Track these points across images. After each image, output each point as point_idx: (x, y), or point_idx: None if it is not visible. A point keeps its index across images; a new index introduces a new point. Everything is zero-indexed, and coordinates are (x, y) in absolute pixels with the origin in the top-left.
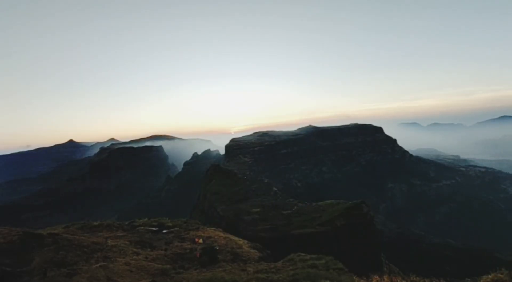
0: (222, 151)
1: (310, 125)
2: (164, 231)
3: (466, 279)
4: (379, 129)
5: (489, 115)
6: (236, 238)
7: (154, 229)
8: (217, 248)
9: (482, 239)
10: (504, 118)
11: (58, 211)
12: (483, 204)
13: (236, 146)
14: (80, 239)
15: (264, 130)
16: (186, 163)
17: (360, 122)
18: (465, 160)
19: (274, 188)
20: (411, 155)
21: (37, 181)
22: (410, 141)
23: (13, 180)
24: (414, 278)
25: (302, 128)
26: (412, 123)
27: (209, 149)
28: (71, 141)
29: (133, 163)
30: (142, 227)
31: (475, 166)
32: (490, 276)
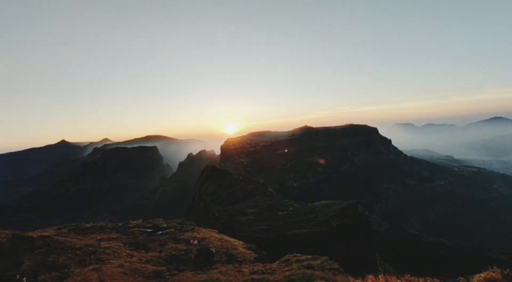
0: (218, 152)
1: (305, 126)
2: (159, 232)
3: (460, 277)
4: (374, 130)
5: (481, 116)
6: (231, 239)
7: (148, 230)
8: (213, 250)
9: (475, 238)
10: (495, 119)
11: (50, 212)
12: (475, 203)
13: (232, 147)
14: (72, 242)
15: (259, 131)
16: (181, 164)
17: (355, 123)
18: (458, 161)
19: (270, 189)
20: (405, 155)
21: (28, 183)
22: (404, 141)
23: (3, 182)
24: (409, 278)
25: (298, 129)
26: (406, 124)
27: (204, 150)
28: (63, 142)
29: (127, 163)
30: (136, 229)
31: (467, 166)
32: (482, 275)
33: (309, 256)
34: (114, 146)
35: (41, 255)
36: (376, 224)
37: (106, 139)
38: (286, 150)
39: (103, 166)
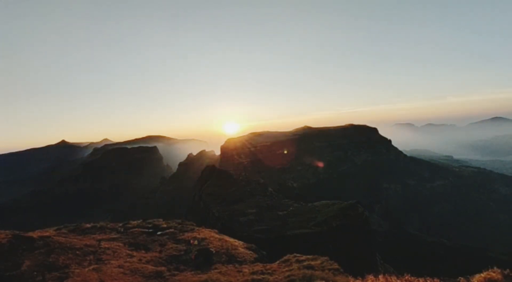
0: (218, 152)
1: (305, 126)
2: (159, 232)
3: (460, 277)
4: (374, 130)
5: (481, 116)
6: (231, 239)
7: (148, 230)
8: (213, 250)
9: (475, 238)
10: (495, 119)
11: (50, 212)
12: (475, 203)
13: (232, 147)
14: (72, 242)
15: (259, 131)
16: (181, 164)
17: (355, 123)
18: (458, 161)
19: (270, 189)
20: (405, 155)
21: (28, 183)
22: (404, 141)
23: (3, 182)
24: (409, 278)
25: (298, 129)
26: (406, 124)
27: (204, 150)
28: (63, 142)
29: (127, 164)
30: (136, 229)
31: (467, 167)
32: (482, 275)
33: (309, 256)
34: (114, 146)
35: (41, 256)
36: (376, 224)
37: (106, 139)
38: (285, 151)
39: (103, 166)
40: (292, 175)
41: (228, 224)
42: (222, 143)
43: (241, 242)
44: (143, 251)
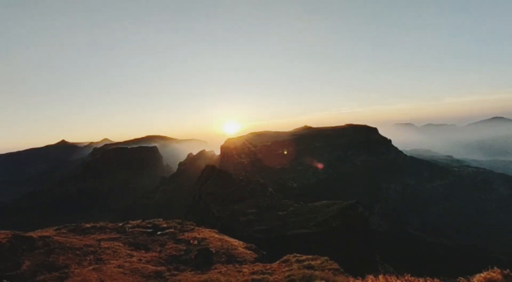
0: (218, 152)
1: (305, 126)
2: (159, 232)
3: (460, 277)
4: (374, 130)
5: (481, 116)
6: (231, 239)
7: (148, 230)
8: (213, 250)
9: (475, 238)
10: (495, 119)
11: (50, 212)
12: (475, 203)
13: (232, 147)
14: (72, 242)
15: (259, 130)
16: (181, 164)
17: (355, 122)
18: (458, 160)
19: (270, 189)
20: (405, 155)
21: (28, 183)
22: (404, 141)
23: (3, 182)
24: (409, 278)
25: (298, 129)
26: (406, 124)
27: (204, 150)
28: (63, 142)
29: (127, 163)
30: (136, 229)
31: (467, 166)
32: (482, 275)
33: (309, 256)
34: (114, 146)
35: (41, 256)
36: (376, 224)
37: (106, 139)
38: (285, 151)
39: (103, 166)
40: (292, 175)
41: (228, 224)
42: (222, 143)
43: (241, 242)
44: (143, 251)
